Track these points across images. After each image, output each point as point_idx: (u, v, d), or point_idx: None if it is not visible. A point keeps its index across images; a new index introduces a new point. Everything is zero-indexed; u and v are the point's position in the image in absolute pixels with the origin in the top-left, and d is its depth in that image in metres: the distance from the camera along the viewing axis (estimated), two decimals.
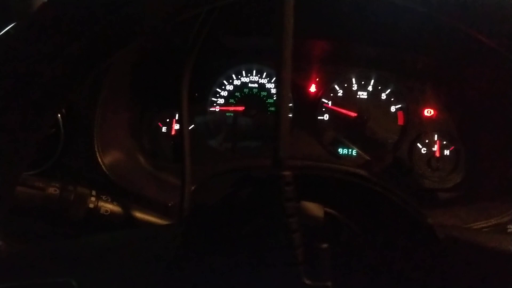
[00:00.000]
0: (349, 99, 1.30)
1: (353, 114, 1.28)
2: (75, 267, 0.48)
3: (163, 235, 0.55)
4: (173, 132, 1.28)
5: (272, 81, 1.32)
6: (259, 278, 0.45)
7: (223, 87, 1.32)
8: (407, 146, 1.25)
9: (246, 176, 0.55)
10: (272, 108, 1.32)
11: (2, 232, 0.48)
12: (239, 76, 1.33)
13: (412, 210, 0.54)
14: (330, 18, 1.05)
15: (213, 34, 0.69)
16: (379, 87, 1.29)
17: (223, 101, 1.32)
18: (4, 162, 0.42)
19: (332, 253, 0.45)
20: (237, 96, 1.33)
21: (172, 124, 1.28)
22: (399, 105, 1.28)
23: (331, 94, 1.30)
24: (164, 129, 1.28)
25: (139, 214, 0.75)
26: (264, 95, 1.32)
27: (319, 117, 1.30)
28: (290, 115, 1.27)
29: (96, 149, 0.95)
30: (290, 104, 1.27)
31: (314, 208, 0.54)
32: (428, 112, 1.26)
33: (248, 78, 1.33)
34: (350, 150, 1.29)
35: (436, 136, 1.25)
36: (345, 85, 1.30)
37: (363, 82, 1.30)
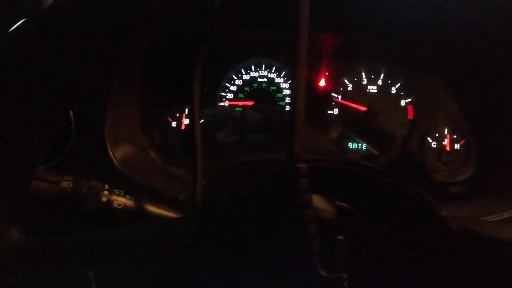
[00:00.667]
0: (359, 93, 1.29)
1: (363, 108, 1.28)
2: (91, 259, 0.48)
3: (177, 228, 0.55)
4: (182, 127, 1.29)
5: (281, 75, 1.32)
6: (275, 270, 0.45)
7: (232, 81, 1.33)
8: (417, 140, 1.25)
9: (259, 169, 0.55)
10: (281, 103, 1.32)
11: (19, 224, 0.49)
12: (248, 71, 1.33)
13: (426, 202, 0.54)
14: (340, 12, 1.05)
15: (223, 30, 0.69)
16: (389, 81, 1.29)
17: (232, 96, 1.33)
18: (18, 156, 0.43)
19: (347, 244, 0.45)
20: (246, 90, 1.33)
21: (181, 118, 1.29)
22: (409, 99, 1.28)
23: (341, 88, 1.30)
24: (174, 123, 1.28)
25: (151, 208, 0.75)
26: (273, 90, 1.32)
27: (328, 111, 1.30)
28: None
29: (107, 144, 0.96)
30: None
31: (326, 202, 0.54)
32: (438, 106, 1.26)
33: (257, 73, 1.33)
34: (359, 144, 1.28)
35: (446, 130, 1.24)
36: (355, 79, 1.30)
37: (372, 76, 1.30)
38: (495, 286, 0.52)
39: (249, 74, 1.33)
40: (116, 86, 0.98)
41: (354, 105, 1.29)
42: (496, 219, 0.90)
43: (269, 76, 1.33)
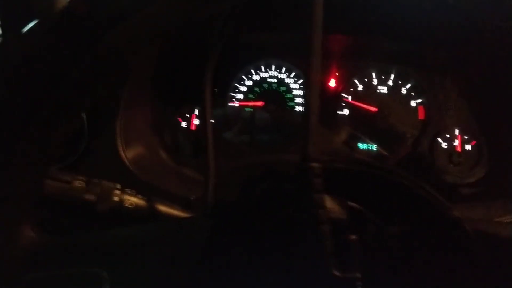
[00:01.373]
0: (369, 94, 1.29)
1: (373, 109, 1.27)
2: (105, 258, 0.48)
3: (189, 229, 0.56)
4: (192, 127, 1.29)
5: (291, 76, 1.32)
6: (288, 270, 0.45)
7: (242, 82, 1.33)
8: (428, 141, 1.24)
9: (271, 170, 0.55)
10: (291, 103, 1.32)
11: (34, 223, 0.49)
12: (258, 71, 1.33)
13: (439, 204, 0.53)
14: (350, 13, 1.05)
15: (235, 31, 0.69)
16: (399, 82, 1.28)
17: (242, 96, 1.33)
18: (33, 157, 0.43)
19: (360, 244, 0.45)
20: (256, 91, 1.33)
21: (191, 119, 1.29)
22: (420, 100, 1.27)
23: (351, 89, 1.30)
24: (184, 124, 1.29)
25: (162, 207, 0.76)
26: (283, 90, 1.32)
27: (339, 112, 1.30)
28: None
29: (119, 144, 0.96)
30: None
31: (338, 203, 0.54)
32: (449, 107, 1.25)
33: (267, 73, 1.33)
34: (370, 145, 1.28)
35: (457, 130, 1.23)
36: (365, 80, 1.30)
37: (383, 77, 1.29)
38: (508, 287, 0.52)
39: (259, 75, 1.33)
40: (127, 87, 0.99)
41: (364, 106, 1.28)
42: (508, 220, 0.90)
43: (279, 77, 1.33)
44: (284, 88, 1.32)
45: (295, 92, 1.32)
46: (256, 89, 1.33)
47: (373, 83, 1.29)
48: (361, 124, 1.29)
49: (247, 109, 1.32)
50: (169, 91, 1.24)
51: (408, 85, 1.28)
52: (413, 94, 1.28)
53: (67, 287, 0.47)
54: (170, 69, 1.21)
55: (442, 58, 1.22)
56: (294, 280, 0.44)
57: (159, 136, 1.21)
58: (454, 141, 1.23)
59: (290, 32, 1.10)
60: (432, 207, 0.54)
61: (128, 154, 0.97)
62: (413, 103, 1.28)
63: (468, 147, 1.22)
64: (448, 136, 1.23)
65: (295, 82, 1.32)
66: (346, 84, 1.29)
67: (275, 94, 1.32)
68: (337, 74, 1.29)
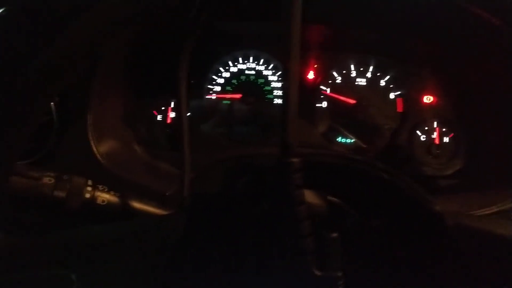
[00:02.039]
0: (348, 86, 1.28)
1: (352, 101, 1.27)
2: (74, 259, 0.46)
3: (164, 226, 0.54)
4: (168, 120, 1.26)
5: (270, 67, 1.30)
6: (267, 269, 0.44)
7: (219, 74, 1.30)
8: (407, 133, 1.24)
9: (250, 163, 0.53)
10: (270, 96, 1.30)
11: None
12: (236, 63, 1.31)
13: (421, 198, 0.52)
14: (329, 3, 1.03)
15: (210, 20, 0.67)
16: (378, 74, 1.28)
17: (219, 89, 1.30)
18: None
19: (341, 242, 0.44)
20: (233, 83, 1.30)
21: (167, 112, 1.26)
22: (399, 92, 1.27)
23: (330, 81, 1.29)
24: (159, 117, 1.26)
25: (136, 204, 0.73)
26: (261, 82, 1.30)
27: (317, 104, 1.29)
28: None
29: (90, 138, 0.93)
30: None
31: (317, 197, 0.52)
32: (427, 99, 1.25)
33: (245, 65, 1.31)
34: (348, 137, 1.27)
35: (435, 123, 1.23)
36: (344, 71, 1.29)
37: (362, 69, 1.28)
38: (489, 280, 0.52)
39: (237, 67, 1.31)
40: (99, 78, 0.95)
41: (343, 98, 1.27)
42: (486, 212, 0.90)
43: (257, 69, 1.31)
44: (262, 80, 1.30)
45: (273, 85, 1.30)
46: (234, 81, 1.31)
47: (351, 75, 1.29)
48: (340, 116, 1.28)
49: (224, 101, 1.29)
50: (143, 83, 1.21)
51: (387, 77, 1.27)
52: (391, 86, 1.27)
53: None
54: (144, 60, 1.18)
55: (421, 50, 1.22)
56: (274, 280, 0.43)
57: (133, 129, 1.18)
58: (432, 134, 1.23)
59: (268, 22, 1.08)
60: (412, 200, 0.54)
61: (100, 148, 0.94)
62: (391, 95, 1.27)
63: (446, 139, 1.23)
64: (426, 128, 1.24)
65: (273, 74, 1.30)
66: (324, 76, 1.28)
67: (253, 86, 1.30)
68: (316, 66, 1.28)
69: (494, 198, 0.93)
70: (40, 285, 0.44)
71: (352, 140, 1.27)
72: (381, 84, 1.28)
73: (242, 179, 0.53)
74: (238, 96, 1.29)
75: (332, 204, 0.54)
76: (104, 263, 0.46)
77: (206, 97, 1.30)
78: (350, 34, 1.22)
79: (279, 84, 1.29)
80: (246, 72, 1.31)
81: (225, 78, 1.30)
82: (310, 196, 0.52)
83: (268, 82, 1.30)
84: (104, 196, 0.70)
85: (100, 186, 0.71)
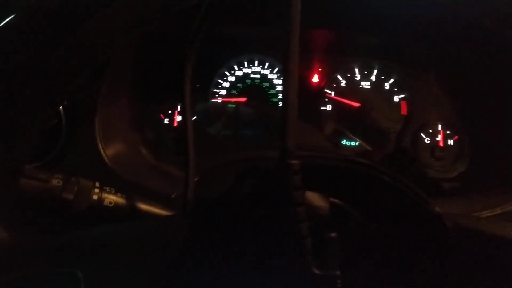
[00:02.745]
0: (352, 89, 1.29)
1: (356, 105, 1.27)
2: (81, 258, 0.47)
3: (168, 227, 0.55)
4: (175, 124, 1.27)
5: (274, 71, 1.31)
6: (267, 268, 0.45)
7: (225, 78, 1.32)
8: (411, 136, 1.25)
9: (252, 166, 0.54)
10: (274, 99, 1.31)
11: (7, 223, 0.48)
12: (241, 67, 1.32)
13: (420, 199, 0.53)
14: (333, 7, 1.04)
15: (214, 24, 0.68)
16: (382, 77, 1.29)
17: (225, 92, 1.31)
18: (7, 154, 0.42)
19: (340, 242, 0.45)
20: (239, 87, 1.32)
21: (174, 115, 1.28)
22: (402, 95, 1.27)
23: (334, 85, 1.29)
24: (166, 120, 1.27)
25: (142, 206, 0.75)
26: (266, 86, 1.32)
27: (321, 108, 1.29)
28: None
29: (98, 141, 0.95)
30: None
31: (319, 198, 0.53)
32: (431, 102, 1.25)
33: (250, 69, 1.32)
34: (353, 140, 1.28)
35: (439, 125, 1.24)
36: (348, 75, 1.29)
37: (366, 72, 1.29)
38: (490, 283, 0.52)
39: (242, 70, 1.32)
40: (106, 82, 0.97)
41: (347, 101, 1.28)
42: (489, 214, 0.90)
43: (262, 73, 1.32)
44: (267, 84, 1.32)
45: (278, 88, 1.31)
46: (239, 84, 1.32)
47: (356, 78, 1.29)
48: (344, 119, 1.29)
49: (230, 105, 1.31)
50: (150, 87, 1.22)
51: (391, 80, 1.28)
52: (395, 89, 1.28)
53: None
54: (151, 64, 1.19)
55: (425, 53, 1.23)
56: (274, 279, 0.44)
57: (140, 133, 1.19)
58: (436, 136, 1.24)
59: (272, 27, 1.09)
60: (413, 203, 0.54)
61: (107, 151, 0.96)
62: (396, 99, 1.28)
63: (450, 142, 1.23)
64: (430, 131, 1.24)
65: (278, 78, 1.31)
66: (329, 79, 1.29)
67: (258, 90, 1.32)
68: (320, 69, 1.29)
69: (498, 200, 0.94)
70: (47, 282, 0.45)
71: (357, 143, 1.28)
72: (385, 87, 1.28)
73: (244, 181, 0.54)
74: (243, 99, 1.30)
75: (335, 206, 0.55)
76: (110, 262, 0.47)
77: (212, 100, 1.31)
78: (354, 38, 1.23)
79: None
80: (251, 76, 1.32)
81: (230, 82, 1.32)
82: (312, 198, 0.53)
83: (273, 86, 1.32)
84: (111, 198, 0.71)
85: (107, 188, 0.72)
